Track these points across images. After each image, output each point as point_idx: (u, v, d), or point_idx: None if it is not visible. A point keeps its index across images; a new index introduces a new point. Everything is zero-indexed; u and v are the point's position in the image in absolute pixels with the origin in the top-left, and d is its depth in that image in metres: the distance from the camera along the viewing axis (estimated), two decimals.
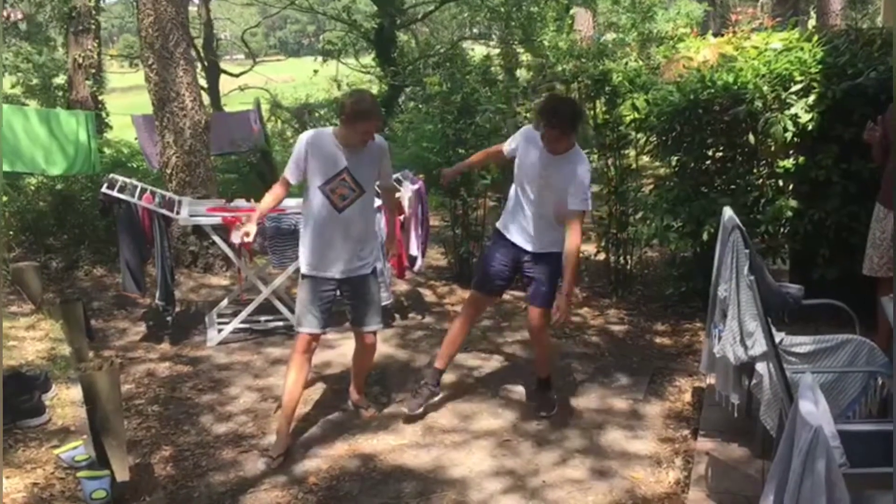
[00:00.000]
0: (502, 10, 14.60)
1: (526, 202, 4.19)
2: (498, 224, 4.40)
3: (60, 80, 15.06)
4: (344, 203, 3.93)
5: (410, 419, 4.33)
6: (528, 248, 4.22)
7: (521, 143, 4.23)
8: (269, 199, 4.11)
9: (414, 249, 5.86)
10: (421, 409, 4.36)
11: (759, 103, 5.06)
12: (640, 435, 4.12)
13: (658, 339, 5.43)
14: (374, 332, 4.27)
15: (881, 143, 4.25)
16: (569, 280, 4.01)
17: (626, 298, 6.26)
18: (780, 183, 5.34)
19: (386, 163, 4.12)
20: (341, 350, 5.28)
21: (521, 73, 15.29)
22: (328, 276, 4.01)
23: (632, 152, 6.31)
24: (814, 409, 2.15)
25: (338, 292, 4.10)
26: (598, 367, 5.00)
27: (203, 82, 14.97)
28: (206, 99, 12.61)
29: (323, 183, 3.89)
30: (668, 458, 3.87)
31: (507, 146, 4.34)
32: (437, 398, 4.47)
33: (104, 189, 5.47)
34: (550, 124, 3.97)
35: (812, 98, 5.00)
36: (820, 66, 5.03)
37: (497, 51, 17.42)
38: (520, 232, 4.24)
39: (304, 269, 4.04)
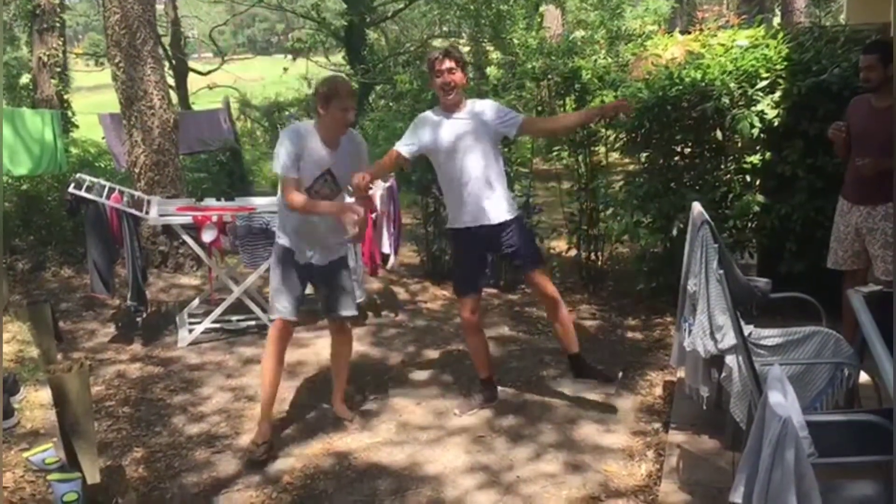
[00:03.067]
0: (472, 7, 14.61)
1: (464, 181, 4.09)
2: (452, 223, 4.27)
3: (25, 79, 14.81)
4: (320, 198, 3.94)
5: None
6: (491, 219, 4.12)
7: (421, 135, 4.11)
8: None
9: (386, 247, 5.86)
10: (467, 414, 4.35)
11: (726, 100, 5.13)
12: (613, 429, 4.16)
13: (629, 334, 5.49)
14: (349, 321, 4.27)
15: (844, 140, 4.33)
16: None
17: (598, 294, 6.31)
18: (748, 178, 5.42)
19: (364, 159, 4.10)
20: (315, 349, 5.27)
21: (491, 71, 15.32)
22: (302, 264, 4.02)
23: (602, 149, 6.36)
24: (783, 400, 2.18)
25: (308, 285, 4.10)
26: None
27: (171, 81, 14.82)
28: (174, 98, 12.48)
29: (309, 186, 3.87)
30: (640, 451, 3.91)
31: (405, 148, 4.13)
32: (493, 403, 4.45)
33: (71, 189, 5.40)
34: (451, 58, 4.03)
35: (778, 94, 5.09)
36: (785, 63, 5.12)
37: (467, 49, 17.44)
38: (475, 212, 4.13)
39: (283, 242, 4.01)
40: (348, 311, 4.20)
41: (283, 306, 4.01)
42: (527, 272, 4.34)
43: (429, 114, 4.19)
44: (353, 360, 5.13)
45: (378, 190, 5.75)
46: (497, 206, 4.13)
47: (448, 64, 4.02)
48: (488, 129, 4.09)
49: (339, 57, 16.99)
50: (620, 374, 4.46)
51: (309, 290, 4.23)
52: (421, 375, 4.96)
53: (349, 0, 14.99)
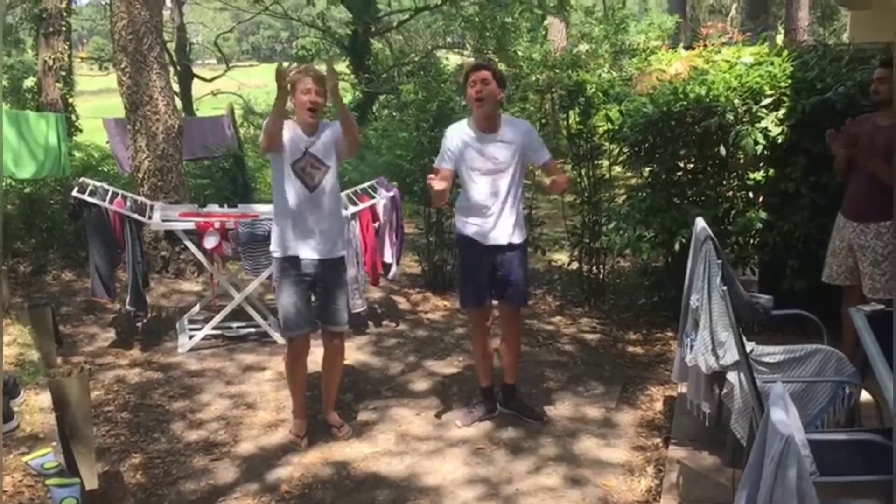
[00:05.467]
0: (477, 19, 14.65)
1: (489, 202, 4.11)
2: (462, 230, 4.25)
3: (30, 82, 14.84)
4: (314, 182, 4.03)
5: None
6: (501, 240, 4.13)
7: (454, 150, 4.11)
8: None
9: (388, 257, 5.86)
10: (469, 425, 4.35)
11: (730, 116, 5.14)
12: (613, 443, 4.15)
13: (630, 348, 5.48)
14: (342, 334, 4.31)
15: (844, 158, 4.35)
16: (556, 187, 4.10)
17: (599, 307, 6.30)
18: (751, 195, 5.42)
19: (339, 134, 4.11)
20: (315, 357, 5.26)
21: None
22: (304, 259, 4.05)
23: (605, 162, 6.37)
24: (785, 418, 2.18)
25: (311, 293, 4.13)
26: (571, 376, 5.03)
27: (176, 87, 14.84)
28: (178, 103, 12.50)
29: (293, 162, 4.00)
30: (640, 466, 3.91)
31: (446, 164, 4.13)
32: (494, 415, 4.45)
33: (75, 192, 5.41)
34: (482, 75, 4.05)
35: (782, 112, 5.09)
36: (790, 81, 5.13)
37: (471, 60, 17.49)
38: (489, 230, 4.14)
39: (278, 253, 4.07)
40: (340, 326, 4.25)
41: (295, 323, 4.09)
42: (508, 307, 4.34)
43: (463, 127, 4.14)
44: (354, 369, 5.15)
45: (381, 199, 5.76)
46: (510, 228, 4.16)
47: (483, 74, 4.05)
48: (521, 154, 4.11)
49: (343, 66, 17.02)
50: (546, 419, 4.40)
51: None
52: (421, 386, 4.95)
53: (354, 10, 15.04)
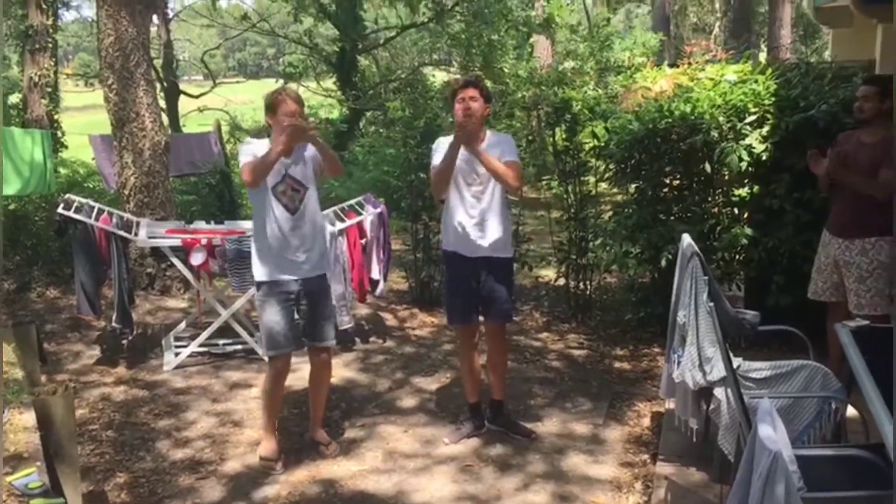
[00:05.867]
0: (463, 37, 14.73)
1: (471, 211, 4.14)
2: (446, 246, 4.31)
3: (15, 98, 14.78)
4: (295, 205, 4.00)
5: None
6: (485, 247, 4.13)
7: (441, 154, 4.16)
8: None
9: (376, 273, 5.86)
10: (457, 441, 4.34)
11: (715, 133, 5.19)
12: (601, 459, 4.15)
13: (617, 364, 5.49)
14: (329, 349, 4.29)
15: (827, 174, 4.39)
16: (488, 158, 4.03)
17: (586, 323, 6.32)
18: (736, 211, 5.47)
19: (316, 154, 4.09)
20: (302, 373, 5.22)
21: None
22: (288, 279, 4.02)
23: (591, 179, 6.41)
24: (773, 434, 2.19)
25: (295, 311, 4.10)
26: (559, 392, 5.03)
27: (162, 103, 14.82)
28: (165, 120, 12.48)
29: (273, 185, 3.97)
30: (628, 482, 3.91)
31: (435, 161, 4.20)
32: (482, 431, 4.44)
33: (60, 209, 5.38)
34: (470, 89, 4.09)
35: (766, 129, 5.15)
36: (773, 99, 5.19)
37: (458, 77, 17.56)
38: (471, 242, 4.15)
39: (262, 278, 4.03)
40: (328, 341, 4.23)
41: (278, 342, 4.04)
42: (493, 323, 4.35)
43: (450, 141, 4.14)
44: (341, 386, 5.13)
45: (368, 216, 5.76)
46: (494, 242, 4.16)
47: (470, 92, 4.09)
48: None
49: (330, 83, 17.04)
50: (534, 435, 4.39)
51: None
52: (409, 403, 4.94)
53: (341, 27, 15.08)
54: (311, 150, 4.08)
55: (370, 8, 16.30)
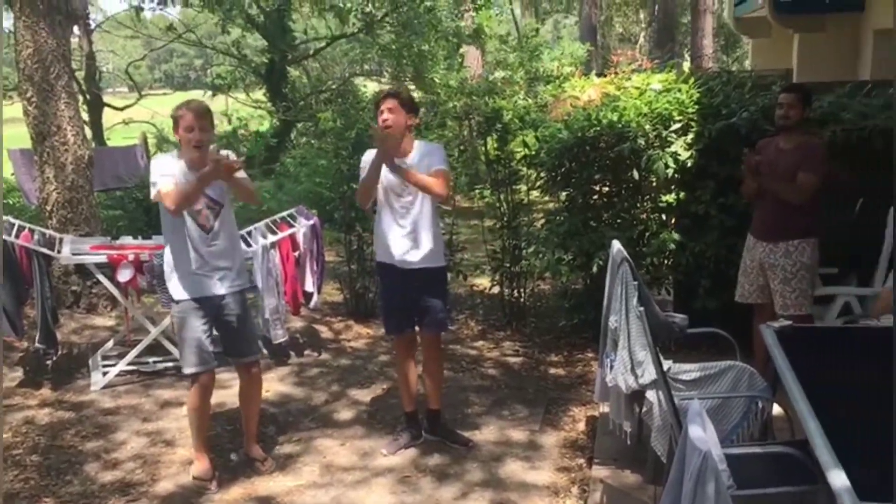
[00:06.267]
0: (393, 47, 14.76)
1: (399, 222, 4.13)
2: (379, 257, 4.31)
3: None
4: (210, 224, 3.92)
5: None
6: (417, 259, 4.13)
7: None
8: None
9: (309, 286, 5.80)
10: (394, 453, 4.31)
11: (641, 141, 5.31)
12: (538, 465, 4.18)
13: (552, 370, 5.55)
14: (258, 363, 4.22)
15: (750, 181, 4.52)
16: (410, 173, 4.00)
17: (521, 331, 6.37)
18: (663, 217, 5.59)
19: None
20: (233, 390, 5.14)
21: None
22: (206, 296, 3.94)
23: (523, 187, 6.47)
24: (702, 434, 2.24)
25: (213, 328, 4.03)
26: (495, 400, 5.06)
27: (85, 116, 14.43)
28: (88, 133, 12.15)
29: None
30: (564, 487, 3.95)
31: (363, 175, 4.18)
32: (419, 441, 4.42)
33: None
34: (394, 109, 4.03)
35: (690, 136, 5.29)
36: (697, 107, 5.35)
37: (389, 87, 17.54)
38: (401, 253, 4.14)
39: (180, 296, 3.94)
40: (253, 356, 4.17)
41: (199, 358, 3.94)
42: (428, 332, 4.35)
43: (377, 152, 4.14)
44: (276, 400, 5.06)
45: (301, 228, 5.71)
46: (423, 253, 4.15)
47: (389, 104, 4.06)
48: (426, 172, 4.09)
49: (260, 94, 16.86)
50: (471, 444, 4.40)
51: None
52: (345, 415, 4.89)
53: (270, 38, 14.95)
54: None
55: (299, 19, 16.21)
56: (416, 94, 16.43)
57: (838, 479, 2.26)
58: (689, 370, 3.82)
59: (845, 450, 2.54)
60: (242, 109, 17.72)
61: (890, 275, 4.66)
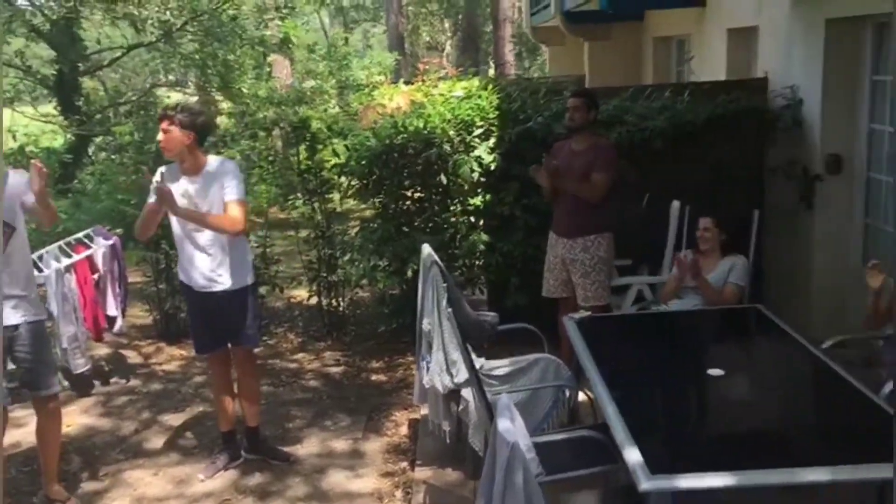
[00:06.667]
0: (197, 57, 14.24)
1: (194, 243, 3.99)
2: (182, 278, 4.15)
3: None
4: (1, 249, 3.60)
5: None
6: (218, 281, 4.00)
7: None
8: None
9: (112, 309, 5.48)
10: (212, 476, 4.15)
11: (447, 146, 5.45)
12: (362, 473, 4.18)
13: (374, 377, 5.56)
14: (55, 397, 3.93)
15: (550, 182, 4.76)
16: (203, 218, 3.90)
17: (341, 340, 6.33)
18: (472, 219, 5.76)
19: (21, 185, 3.73)
20: (30, 428, 4.75)
21: (223, 121, 14.99)
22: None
23: (336, 196, 6.44)
24: (510, 426, 2.32)
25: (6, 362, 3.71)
26: (317, 412, 5.00)
27: None
28: None
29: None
30: (388, 492, 3.97)
31: (150, 199, 4.00)
32: (239, 461, 4.27)
33: None
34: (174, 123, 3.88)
35: (492, 141, 5.50)
36: (497, 112, 5.56)
37: (195, 98, 16.93)
38: (200, 276, 4.02)
39: None
40: (50, 389, 3.87)
41: None
42: (239, 349, 4.25)
43: (172, 169, 3.97)
44: (79, 434, 4.73)
45: (100, 249, 5.38)
46: (216, 273, 4.00)
47: (163, 124, 3.90)
48: (218, 194, 3.94)
49: (50, 107, 15.71)
50: (293, 458, 4.36)
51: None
52: (158, 443, 4.65)
53: (59, 48, 13.97)
54: (16, 185, 3.69)
55: (90, 27, 15.25)
56: (225, 105, 15.98)
57: (633, 455, 2.42)
58: (500, 366, 3.96)
59: (645, 428, 2.73)
60: (31, 124, 16.45)
61: None
